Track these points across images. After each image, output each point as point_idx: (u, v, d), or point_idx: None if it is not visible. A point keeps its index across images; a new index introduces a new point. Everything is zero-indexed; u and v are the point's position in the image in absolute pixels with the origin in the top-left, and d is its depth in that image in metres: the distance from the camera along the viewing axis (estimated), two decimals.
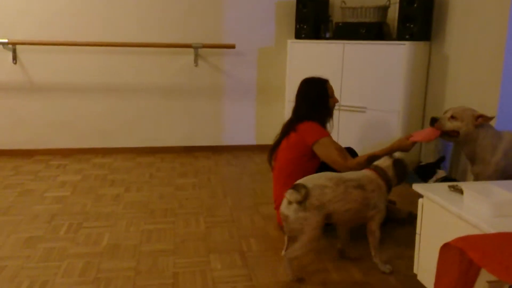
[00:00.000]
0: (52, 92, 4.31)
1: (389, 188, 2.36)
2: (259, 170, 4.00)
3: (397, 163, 2.39)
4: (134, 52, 4.34)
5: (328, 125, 2.85)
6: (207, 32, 4.38)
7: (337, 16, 4.22)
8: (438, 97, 3.64)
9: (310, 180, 2.21)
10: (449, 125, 2.44)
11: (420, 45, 3.63)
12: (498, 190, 1.69)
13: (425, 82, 3.81)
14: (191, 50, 4.36)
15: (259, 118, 4.67)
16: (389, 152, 2.56)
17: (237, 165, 4.20)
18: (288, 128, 2.79)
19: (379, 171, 2.35)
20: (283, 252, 2.25)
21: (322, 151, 2.66)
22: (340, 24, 3.94)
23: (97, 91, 4.37)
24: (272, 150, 2.88)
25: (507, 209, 1.59)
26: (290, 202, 2.16)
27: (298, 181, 2.22)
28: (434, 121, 2.50)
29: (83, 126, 4.41)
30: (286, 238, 2.26)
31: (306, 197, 2.13)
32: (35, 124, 4.34)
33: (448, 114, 2.47)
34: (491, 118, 2.42)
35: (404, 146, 2.56)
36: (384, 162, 2.40)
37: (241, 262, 2.42)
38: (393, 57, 3.58)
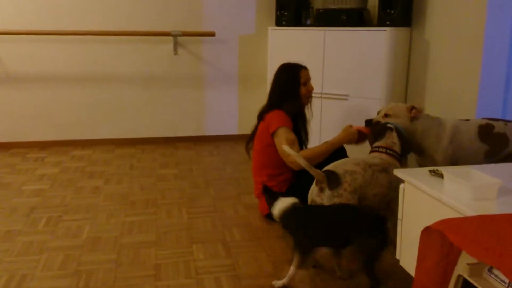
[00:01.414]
0: (29, 83, 4.20)
1: (400, 163, 2.33)
2: (242, 160, 3.98)
3: (399, 133, 2.34)
4: (112, 41, 4.25)
5: (307, 113, 2.82)
6: (187, 20, 4.32)
7: (317, 3, 4.19)
8: (420, 83, 3.65)
9: (339, 166, 2.18)
10: None
11: (401, 31, 3.63)
12: (477, 173, 1.70)
13: (407, 69, 3.81)
14: (171, 38, 4.29)
15: (241, 107, 4.63)
16: (334, 145, 2.51)
17: (219, 155, 4.17)
18: (259, 117, 2.76)
19: (389, 152, 2.30)
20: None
21: (276, 141, 2.62)
22: (321, 10, 3.91)
23: (75, 81, 4.28)
24: (248, 140, 2.86)
25: (486, 192, 1.60)
26: (322, 189, 2.12)
27: (327, 168, 2.19)
28: (369, 123, 2.48)
29: (61, 118, 4.32)
30: None
31: (338, 183, 2.10)
32: (11, 116, 4.23)
33: (382, 113, 2.45)
34: (422, 109, 2.43)
35: (349, 133, 2.51)
36: (388, 139, 2.32)
37: (224, 252, 2.40)
38: (374, 43, 3.57)
